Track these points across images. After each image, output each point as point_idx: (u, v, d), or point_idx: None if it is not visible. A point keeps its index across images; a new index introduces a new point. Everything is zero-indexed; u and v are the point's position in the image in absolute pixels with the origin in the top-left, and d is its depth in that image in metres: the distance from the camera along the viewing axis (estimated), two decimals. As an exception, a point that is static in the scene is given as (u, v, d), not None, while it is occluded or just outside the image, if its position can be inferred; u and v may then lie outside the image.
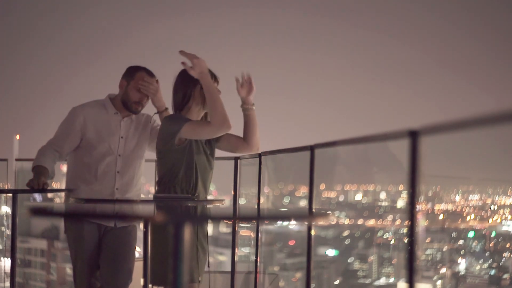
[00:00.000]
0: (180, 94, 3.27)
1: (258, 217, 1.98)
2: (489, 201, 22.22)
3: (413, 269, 1.95)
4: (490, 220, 21.51)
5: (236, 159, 4.61)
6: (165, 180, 3.21)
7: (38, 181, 3.23)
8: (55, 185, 4.54)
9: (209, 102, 3.15)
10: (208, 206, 3.20)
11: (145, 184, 3.85)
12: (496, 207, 21.84)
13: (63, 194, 3.85)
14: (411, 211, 1.97)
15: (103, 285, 3.40)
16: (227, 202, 4.64)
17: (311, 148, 3.27)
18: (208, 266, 3.29)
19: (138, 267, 3.46)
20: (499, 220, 21.48)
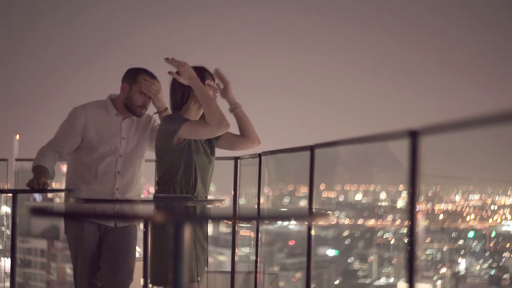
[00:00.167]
0: (178, 94, 3.28)
1: (258, 217, 1.98)
2: (489, 201, 22.22)
3: (413, 269, 1.95)
4: (490, 220, 21.51)
5: (236, 159, 4.61)
6: (164, 180, 3.21)
7: (38, 181, 3.23)
8: (55, 185, 4.54)
9: (204, 105, 3.18)
10: (208, 206, 3.20)
11: (145, 184, 3.85)
12: (496, 207, 21.84)
13: (63, 194, 3.84)
14: (411, 211, 1.97)
15: (103, 285, 3.40)
16: (227, 202, 4.64)
17: (311, 148, 3.27)
18: (207, 266, 3.29)
19: (138, 267, 3.47)
20: (499, 220, 21.48)
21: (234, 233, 4.69)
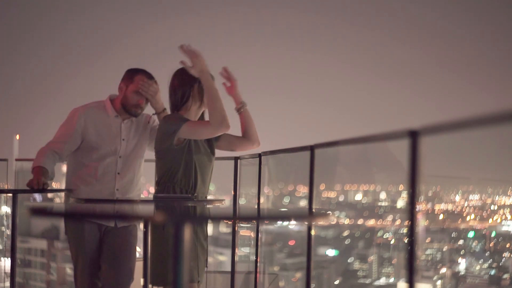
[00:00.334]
0: (178, 94, 3.27)
1: (258, 217, 1.98)
2: (489, 201, 22.22)
3: (413, 269, 1.95)
4: (490, 220, 21.50)
5: (236, 159, 4.61)
6: (164, 180, 3.21)
7: (38, 181, 3.23)
8: (55, 185, 4.54)
9: (209, 101, 3.16)
10: (208, 206, 3.20)
11: (145, 184, 3.85)
12: (496, 207, 21.83)
13: (63, 194, 3.84)
14: (411, 211, 1.97)
15: (104, 285, 3.40)
16: (227, 202, 4.64)
17: (311, 148, 3.27)
18: (206, 266, 3.29)
19: (138, 267, 3.47)
20: (499, 220, 21.48)
21: (234, 233, 4.69)
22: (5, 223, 6.69)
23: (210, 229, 3.45)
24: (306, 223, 3.35)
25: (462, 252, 20.65)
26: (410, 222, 1.97)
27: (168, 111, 3.38)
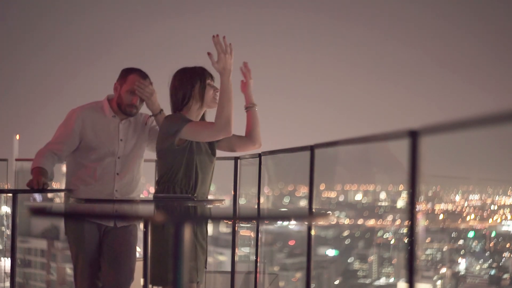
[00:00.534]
0: (179, 94, 3.26)
1: (258, 217, 1.98)
2: (489, 201, 22.23)
3: (413, 269, 1.95)
4: (490, 220, 21.51)
5: (236, 159, 4.61)
6: (164, 180, 3.21)
7: (38, 181, 3.23)
8: (55, 185, 4.54)
9: (221, 101, 3.13)
10: (208, 206, 3.20)
11: (145, 184, 3.85)
12: (496, 207, 21.84)
13: (63, 194, 3.84)
14: (411, 211, 1.97)
15: (104, 285, 3.40)
16: (227, 202, 4.64)
17: (311, 148, 3.27)
18: (206, 267, 3.29)
19: (138, 267, 3.47)
20: (499, 220, 21.48)
21: (234, 233, 4.70)
22: (5, 223, 6.69)
23: (210, 229, 3.45)
24: (306, 223, 3.35)
25: (462, 252, 20.65)
26: (410, 222, 1.97)
27: (165, 113, 3.37)
